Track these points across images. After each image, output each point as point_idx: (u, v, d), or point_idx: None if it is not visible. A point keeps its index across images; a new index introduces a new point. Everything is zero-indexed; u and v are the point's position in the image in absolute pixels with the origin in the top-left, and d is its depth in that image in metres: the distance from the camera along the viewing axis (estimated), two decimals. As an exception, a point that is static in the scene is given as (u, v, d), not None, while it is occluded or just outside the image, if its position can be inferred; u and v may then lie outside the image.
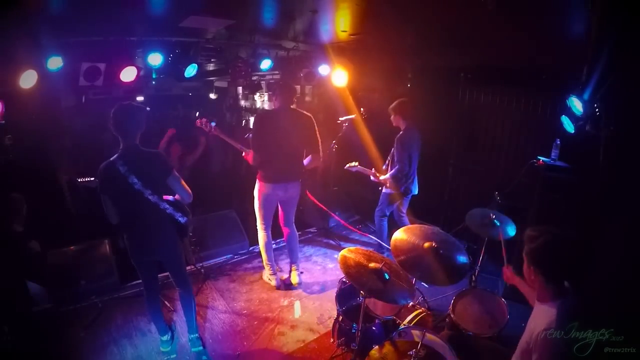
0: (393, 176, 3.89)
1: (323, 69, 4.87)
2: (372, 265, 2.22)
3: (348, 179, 5.73)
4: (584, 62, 2.65)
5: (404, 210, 4.22)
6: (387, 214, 4.20)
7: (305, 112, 3.39)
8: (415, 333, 2.24)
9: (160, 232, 2.53)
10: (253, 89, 9.27)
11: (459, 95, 4.56)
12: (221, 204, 4.76)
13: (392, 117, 3.96)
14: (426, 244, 2.46)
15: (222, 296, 3.64)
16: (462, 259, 2.50)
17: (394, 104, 3.93)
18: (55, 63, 3.15)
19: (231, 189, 5.35)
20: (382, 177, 3.99)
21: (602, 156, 2.66)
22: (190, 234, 3.77)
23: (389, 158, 4.07)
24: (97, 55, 3.43)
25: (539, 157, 3.40)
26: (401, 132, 3.88)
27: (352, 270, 2.17)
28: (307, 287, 3.78)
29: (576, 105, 2.69)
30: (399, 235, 2.56)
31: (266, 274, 3.86)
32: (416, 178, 4.05)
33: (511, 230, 2.76)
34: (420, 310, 2.61)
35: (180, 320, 3.15)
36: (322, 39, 4.39)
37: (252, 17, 3.48)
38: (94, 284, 3.51)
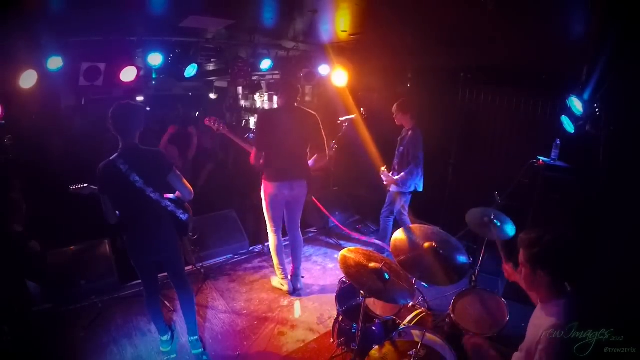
0: (408, 173, 3.94)
1: (323, 69, 4.87)
2: (372, 265, 2.22)
3: (348, 179, 5.74)
4: (584, 62, 2.65)
5: (407, 209, 4.26)
6: (395, 213, 4.22)
7: (310, 110, 3.35)
8: (415, 333, 2.24)
9: (161, 231, 2.53)
10: (253, 89, 9.27)
11: (459, 95, 4.56)
12: (221, 204, 4.76)
13: (396, 115, 4.00)
14: (426, 244, 2.46)
15: (222, 296, 3.64)
16: (462, 259, 2.50)
17: (399, 103, 3.98)
18: (55, 63, 3.15)
19: (231, 189, 5.35)
20: (396, 177, 4.01)
21: (602, 156, 2.66)
22: (191, 233, 3.77)
23: (396, 158, 4.10)
24: (97, 55, 3.43)
25: (539, 157, 3.40)
26: (412, 132, 3.95)
27: (352, 270, 2.17)
28: (307, 287, 3.78)
29: (576, 105, 2.69)
30: (399, 235, 2.56)
31: (277, 279, 3.76)
32: (422, 175, 4.11)
33: (511, 230, 2.75)
34: (420, 310, 2.61)
35: (180, 320, 3.15)
36: (322, 39, 4.39)
37: (252, 17, 3.48)
38: (94, 284, 3.51)
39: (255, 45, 4.39)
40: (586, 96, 2.59)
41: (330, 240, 4.85)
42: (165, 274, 2.82)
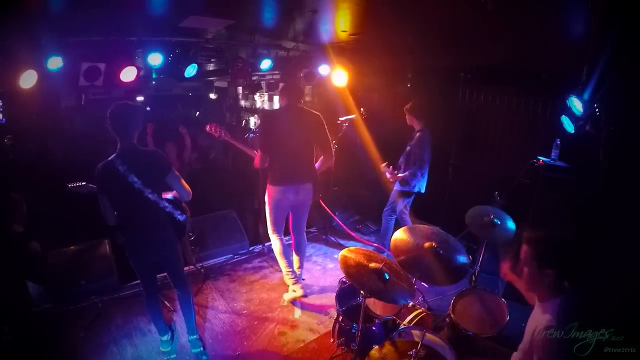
0: (412, 174, 3.97)
1: (323, 69, 4.87)
2: (372, 265, 2.22)
3: (348, 179, 5.74)
4: (584, 62, 2.65)
5: (408, 208, 4.29)
6: (397, 212, 4.23)
7: (313, 110, 3.28)
8: (415, 333, 2.24)
9: (159, 231, 2.52)
10: (253, 89, 9.27)
11: (459, 95, 4.56)
12: (221, 204, 4.76)
13: (408, 117, 4.06)
14: (426, 244, 2.46)
15: (222, 296, 3.64)
16: (462, 259, 2.50)
17: (411, 105, 4.04)
18: (55, 63, 3.15)
19: (231, 189, 5.35)
20: (400, 175, 4.04)
21: (602, 156, 2.67)
22: (190, 234, 3.77)
23: (404, 157, 4.12)
24: (97, 55, 3.43)
25: (539, 157, 3.40)
26: (421, 133, 3.99)
27: (352, 270, 2.17)
28: (307, 287, 3.77)
29: (576, 105, 2.69)
30: (399, 235, 2.56)
31: (289, 285, 3.59)
32: (427, 177, 4.14)
33: (510, 228, 2.75)
34: (420, 310, 2.61)
35: (180, 320, 3.15)
36: (322, 39, 4.39)
37: (252, 17, 3.48)
38: (94, 284, 3.51)
39: (255, 45, 4.39)
40: (586, 96, 2.59)
41: (331, 240, 4.85)
42: (165, 274, 2.82)
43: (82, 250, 3.68)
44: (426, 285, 3.26)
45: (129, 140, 2.36)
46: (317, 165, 3.37)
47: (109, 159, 2.32)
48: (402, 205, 4.21)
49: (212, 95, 11.41)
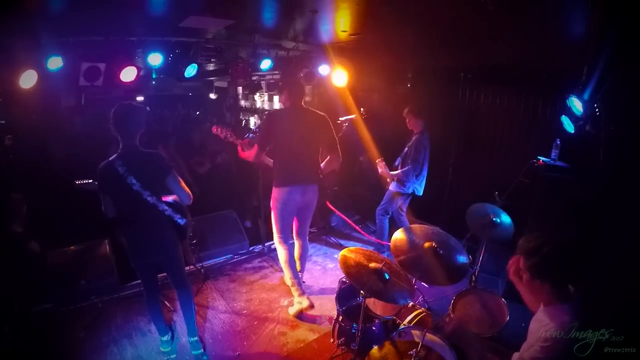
0: (405, 172, 3.97)
1: (323, 69, 4.88)
2: (372, 265, 2.22)
3: (348, 179, 5.74)
4: (584, 62, 2.65)
5: (405, 210, 4.28)
6: (390, 212, 4.23)
7: (319, 111, 3.24)
8: (415, 333, 2.23)
9: (159, 233, 2.51)
10: (253, 89, 9.27)
11: (459, 95, 4.56)
12: (221, 204, 4.76)
13: (409, 120, 4.04)
14: (426, 244, 2.46)
15: (222, 296, 3.64)
16: (462, 259, 2.50)
17: (412, 107, 4.04)
18: (55, 63, 3.15)
19: (231, 189, 5.35)
20: (393, 173, 4.05)
21: (602, 156, 2.66)
22: (190, 235, 3.77)
23: (401, 157, 4.13)
24: (97, 55, 3.43)
25: (539, 157, 3.40)
26: (419, 135, 3.99)
27: (352, 270, 2.17)
28: (307, 287, 3.77)
29: (576, 105, 2.69)
30: (399, 235, 2.56)
31: (295, 296, 3.39)
32: (425, 180, 4.12)
33: (510, 228, 2.75)
34: (420, 310, 2.61)
35: (180, 320, 3.15)
36: (322, 39, 4.39)
37: (252, 17, 3.48)
38: (94, 284, 3.51)
39: (255, 45, 4.39)
40: (586, 96, 2.59)
41: (331, 240, 4.85)
42: (165, 274, 2.82)
43: (82, 250, 3.68)
44: (426, 285, 3.26)
45: (131, 140, 2.35)
46: (323, 165, 3.34)
47: (110, 159, 2.32)
48: (396, 206, 4.20)
49: (212, 95, 11.42)
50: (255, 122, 8.86)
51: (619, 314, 1.99)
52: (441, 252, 2.43)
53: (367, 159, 4.92)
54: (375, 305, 2.59)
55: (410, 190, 4.08)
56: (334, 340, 2.62)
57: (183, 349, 2.94)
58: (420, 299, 3.17)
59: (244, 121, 9.57)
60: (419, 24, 3.18)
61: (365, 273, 2.17)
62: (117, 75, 3.54)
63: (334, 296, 2.78)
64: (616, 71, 2.39)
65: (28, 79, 3.03)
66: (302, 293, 3.40)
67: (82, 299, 3.43)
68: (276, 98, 8.23)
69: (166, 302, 3.38)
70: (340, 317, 2.59)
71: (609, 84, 2.45)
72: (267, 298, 3.62)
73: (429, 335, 2.14)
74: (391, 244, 2.51)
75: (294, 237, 3.52)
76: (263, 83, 8.75)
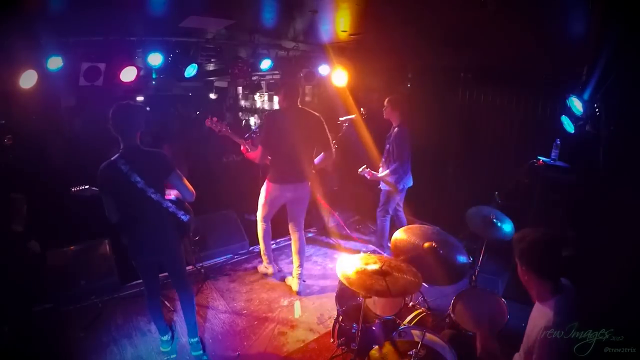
0: (393, 171, 3.95)
1: (323, 69, 4.87)
2: (371, 267, 2.21)
3: (348, 179, 5.74)
4: (584, 62, 2.65)
5: (402, 205, 4.30)
6: (391, 211, 4.23)
7: (313, 111, 3.35)
8: (415, 333, 2.24)
9: (162, 231, 2.52)
10: (253, 89, 9.27)
11: (459, 95, 4.56)
12: (221, 204, 4.76)
13: (386, 109, 4.00)
14: (426, 244, 2.46)
15: (222, 296, 3.64)
16: (462, 259, 2.50)
17: (392, 98, 3.99)
18: (55, 63, 3.14)
19: (231, 189, 5.35)
20: (381, 174, 4.02)
21: (602, 156, 2.66)
22: (192, 233, 3.77)
23: (384, 155, 4.11)
24: (97, 55, 3.43)
25: (539, 157, 3.40)
26: (398, 129, 3.95)
27: (353, 279, 2.14)
28: (307, 287, 3.77)
29: (576, 105, 2.69)
30: (399, 235, 2.56)
31: (262, 266, 3.94)
32: (410, 172, 4.12)
33: (510, 230, 2.75)
34: (420, 310, 2.61)
35: (180, 320, 3.15)
36: (322, 39, 4.40)
37: (252, 17, 3.48)
38: (94, 284, 3.51)
39: (255, 45, 4.39)
40: (586, 96, 2.59)
41: (330, 241, 4.85)
42: (166, 273, 2.82)
43: (82, 250, 3.67)
44: (426, 285, 3.26)
45: (132, 140, 2.36)
46: (316, 160, 3.44)
47: (112, 158, 2.32)
48: (395, 204, 4.21)
49: (212, 95, 11.42)
50: (255, 122, 8.86)
51: (619, 313, 1.99)
52: (441, 252, 2.44)
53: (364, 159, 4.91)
54: (375, 305, 2.59)
55: (401, 186, 4.06)
56: (334, 340, 2.62)
57: (183, 349, 2.94)
58: (420, 299, 3.17)
59: (244, 121, 9.57)
60: (419, 24, 3.18)
61: (367, 277, 2.15)
62: (117, 75, 3.54)
63: (334, 296, 2.78)
64: (616, 71, 2.39)
65: (28, 79, 3.03)
66: (270, 262, 3.89)
67: (82, 299, 3.43)
68: (276, 98, 8.25)
69: (166, 302, 3.37)
70: (340, 317, 2.59)
71: (609, 84, 2.45)
72: (267, 298, 3.62)
73: (429, 335, 2.14)
74: (391, 244, 2.51)
75: (290, 232, 3.65)
76: (263, 83, 8.76)
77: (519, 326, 1.83)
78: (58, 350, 2.91)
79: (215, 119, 3.54)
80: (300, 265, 3.69)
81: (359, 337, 2.28)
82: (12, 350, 2.69)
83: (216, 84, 10.89)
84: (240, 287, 3.80)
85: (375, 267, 2.20)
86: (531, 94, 3.94)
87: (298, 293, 3.67)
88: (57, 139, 5.42)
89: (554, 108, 3.66)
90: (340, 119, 4.43)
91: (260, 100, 9.17)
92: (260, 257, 3.93)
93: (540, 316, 1.56)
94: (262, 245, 3.78)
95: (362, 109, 4.96)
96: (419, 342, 2.03)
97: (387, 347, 2.14)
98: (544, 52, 3.36)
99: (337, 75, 4.85)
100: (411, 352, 1.98)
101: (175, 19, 3.29)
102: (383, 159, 4.14)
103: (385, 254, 3.72)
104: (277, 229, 3.96)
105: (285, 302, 3.55)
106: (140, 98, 7.28)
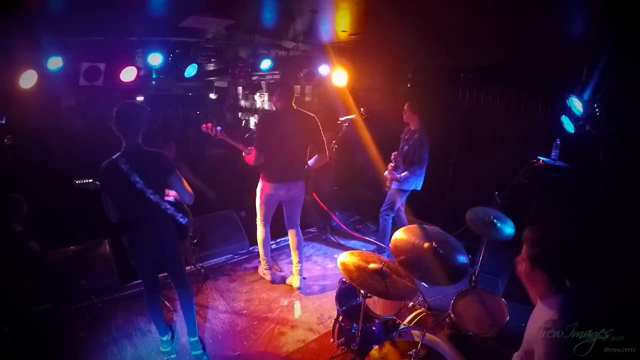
0: (412, 171, 4.01)
1: (323, 69, 4.87)
2: (372, 266, 2.22)
3: (348, 179, 5.74)
4: (584, 62, 2.65)
5: (404, 206, 4.33)
6: (395, 210, 4.25)
7: (308, 112, 3.39)
8: (415, 333, 2.24)
9: (160, 232, 2.52)
10: (253, 89, 9.28)
11: (459, 95, 4.56)
12: (221, 204, 4.76)
13: (406, 113, 4.09)
14: (426, 244, 2.46)
15: (222, 296, 3.64)
16: (462, 259, 2.50)
17: (412, 102, 4.08)
18: (55, 63, 3.15)
19: (231, 189, 5.34)
20: (402, 175, 4.06)
21: (602, 156, 2.66)
22: (191, 235, 3.77)
23: (399, 156, 4.15)
24: (97, 55, 3.43)
25: (539, 157, 3.40)
26: (418, 134, 4.01)
27: (354, 274, 2.16)
28: (307, 287, 3.78)
29: (576, 105, 2.69)
30: (399, 235, 2.56)
31: (261, 268, 3.95)
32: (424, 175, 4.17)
33: (510, 230, 2.75)
34: (420, 310, 2.61)
35: (180, 320, 3.15)
36: (322, 39, 4.39)
37: (252, 17, 3.48)
38: (94, 284, 3.51)
39: (255, 45, 4.39)
40: (586, 96, 2.59)
41: (331, 240, 4.85)
42: (166, 273, 2.82)
43: (82, 250, 3.68)
44: (426, 285, 3.26)
45: (134, 139, 2.35)
46: (310, 162, 3.48)
47: (113, 157, 2.32)
48: (400, 203, 4.23)
49: (212, 95, 11.43)
50: (255, 122, 8.86)
51: (619, 313, 1.99)
52: (441, 252, 2.43)
53: (364, 159, 4.92)
54: (375, 305, 2.59)
55: (412, 187, 4.12)
56: (334, 340, 2.62)
57: (183, 349, 2.94)
58: (420, 299, 3.17)
59: (244, 121, 9.58)
60: (419, 24, 3.18)
61: (367, 275, 2.16)
62: (117, 75, 3.54)
63: (334, 296, 2.78)
64: (616, 71, 2.38)
65: (28, 79, 3.03)
66: (268, 269, 3.88)
67: (82, 299, 3.43)
68: (274, 100, 8.26)
69: (166, 302, 3.38)
70: (340, 317, 2.59)
71: (609, 84, 2.45)
72: (267, 298, 3.62)
73: (429, 335, 2.14)
74: (391, 244, 2.51)
75: (287, 229, 3.70)
76: (263, 83, 8.75)
77: (519, 326, 1.83)
78: (58, 350, 2.92)
79: (210, 125, 3.54)
80: (300, 261, 3.73)
81: (359, 337, 2.28)
82: (12, 350, 2.69)
83: (216, 84, 10.90)
84: (240, 287, 3.80)
85: (376, 266, 2.20)
86: (531, 94, 3.94)
87: (299, 289, 3.70)
88: (57, 139, 5.42)
89: (554, 108, 3.66)
90: (340, 119, 4.44)
91: (260, 100, 9.17)
92: (259, 257, 3.94)
93: (541, 315, 1.56)
94: (261, 250, 3.80)
95: (362, 109, 4.96)
96: (419, 342, 2.03)
97: (387, 347, 2.14)
98: (544, 52, 3.36)
99: (337, 75, 4.85)
100: (411, 352, 1.98)
101: (175, 19, 3.29)
102: (394, 160, 4.17)
103: (385, 254, 3.73)
104: (277, 228, 3.96)
105: (285, 302, 3.55)
106: (140, 98, 7.28)
